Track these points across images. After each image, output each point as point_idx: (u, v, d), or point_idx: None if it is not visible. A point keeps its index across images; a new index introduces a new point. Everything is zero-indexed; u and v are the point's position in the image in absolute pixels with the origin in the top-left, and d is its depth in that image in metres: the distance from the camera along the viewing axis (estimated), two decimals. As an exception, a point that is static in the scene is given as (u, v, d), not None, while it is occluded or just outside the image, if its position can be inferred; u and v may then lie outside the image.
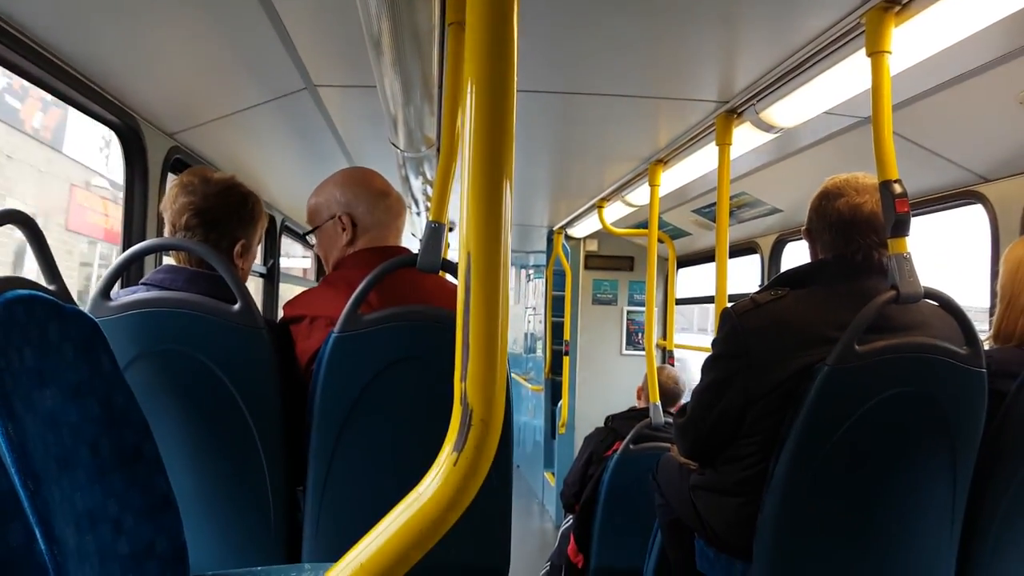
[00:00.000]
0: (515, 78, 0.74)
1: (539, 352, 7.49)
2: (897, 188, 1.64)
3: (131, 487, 1.28)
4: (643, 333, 5.64)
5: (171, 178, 2.53)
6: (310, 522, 1.65)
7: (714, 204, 3.40)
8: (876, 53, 1.68)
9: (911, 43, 1.74)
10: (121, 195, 2.48)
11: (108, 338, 1.31)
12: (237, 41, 2.05)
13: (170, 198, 1.78)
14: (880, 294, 1.65)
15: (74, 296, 1.28)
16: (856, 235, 1.77)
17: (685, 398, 3.74)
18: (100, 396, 1.26)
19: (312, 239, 1.96)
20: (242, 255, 1.85)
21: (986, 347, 1.80)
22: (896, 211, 1.63)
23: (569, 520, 3.92)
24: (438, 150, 2.82)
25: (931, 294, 1.68)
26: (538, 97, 2.51)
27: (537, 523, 6.10)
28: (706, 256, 4.94)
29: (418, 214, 4.59)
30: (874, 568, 1.73)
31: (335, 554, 0.76)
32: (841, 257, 1.80)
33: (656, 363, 3.48)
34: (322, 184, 1.96)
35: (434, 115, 2.47)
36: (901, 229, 1.64)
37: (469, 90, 0.74)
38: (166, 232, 1.80)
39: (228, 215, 1.80)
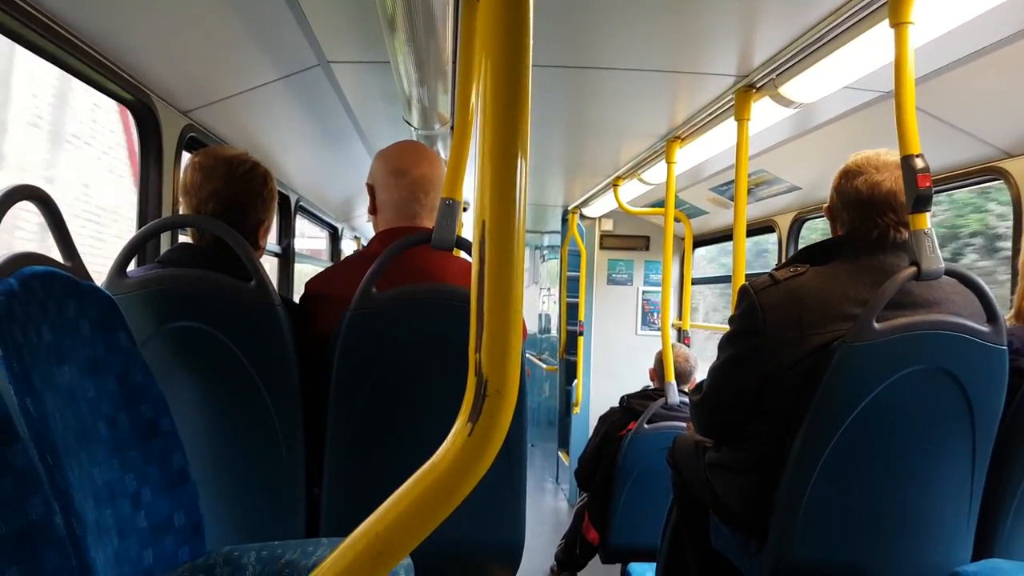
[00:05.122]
0: (530, 53, 0.72)
1: (554, 332, 7.48)
2: (919, 163, 1.62)
3: (149, 462, 1.29)
4: (658, 313, 5.63)
5: (185, 156, 2.54)
6: (327, 497, 1.66)
7: (732, 182, 3.37)
8: (899, 24, 1.65)
9: (934, 14, 1.71)
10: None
11: (124, 315, 1.32)
12: (251, 17, 2.04)
13: (193, 183, 1.77)
14: (900, 270, 1.63)
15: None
16: (874, 213, 1.75)
17: (699, 375, 3.73)
18: (117, 372, 1.27)
19: None
20: (263, 235, 1.87)
21: (1008, 325, 1.78)
22: (918, 186, 1.61)
23: (584, 498, 3.94)
24: (452, 128, 2.81)
25: (952, 271, 1.66)
26: (552, 72, 2.49)
27: (552, 501, 6.13)
28: (723, 235, 4.90)
29: None
30: (890, 546, 1.72)
31: (352, 528, 0.77)
32: (857, 234, 1.78)
33: (671, 343, 3.47)
34: None
35: (448, 92, 2.46)
36: (923, 204, 1.61)
37: (483, 65, 0.72)
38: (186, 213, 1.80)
39: (252, 199, 1.82)
